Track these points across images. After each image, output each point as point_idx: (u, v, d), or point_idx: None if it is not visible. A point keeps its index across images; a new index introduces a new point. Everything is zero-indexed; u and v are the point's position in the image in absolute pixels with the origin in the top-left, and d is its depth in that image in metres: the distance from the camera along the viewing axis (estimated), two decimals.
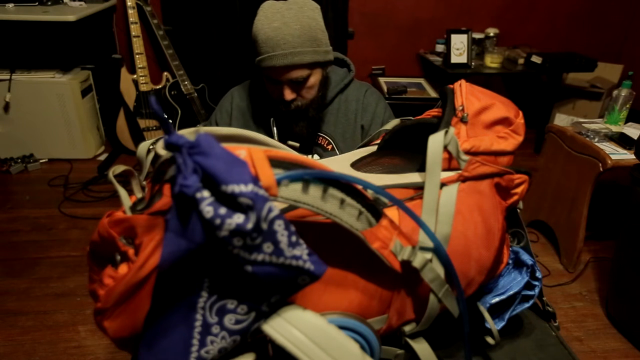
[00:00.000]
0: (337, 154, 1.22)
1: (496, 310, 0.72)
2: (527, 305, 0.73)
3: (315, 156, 1.22)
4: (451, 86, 0.71)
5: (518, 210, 0.75)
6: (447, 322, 0.64)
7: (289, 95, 1.08)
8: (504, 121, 0.68)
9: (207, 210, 0.36)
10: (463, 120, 0.65)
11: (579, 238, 1.97)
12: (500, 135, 0.67)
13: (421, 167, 0.65)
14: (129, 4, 2.63)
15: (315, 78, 1.10)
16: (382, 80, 3.07)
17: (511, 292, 0.70)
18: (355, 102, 1.23)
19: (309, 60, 1.05)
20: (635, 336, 1.67)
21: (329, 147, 1.22)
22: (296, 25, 1.01)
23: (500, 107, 0.68)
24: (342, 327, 0.52)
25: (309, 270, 0.41)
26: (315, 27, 1.04)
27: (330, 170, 0.47)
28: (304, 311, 0.46)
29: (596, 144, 1.92)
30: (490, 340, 0.69)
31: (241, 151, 0.42)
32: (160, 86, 2.77)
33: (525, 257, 0.73)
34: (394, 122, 0.82)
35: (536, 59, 2.84)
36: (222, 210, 0.36)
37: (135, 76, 2.71)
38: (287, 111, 1.13)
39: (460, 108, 0.66)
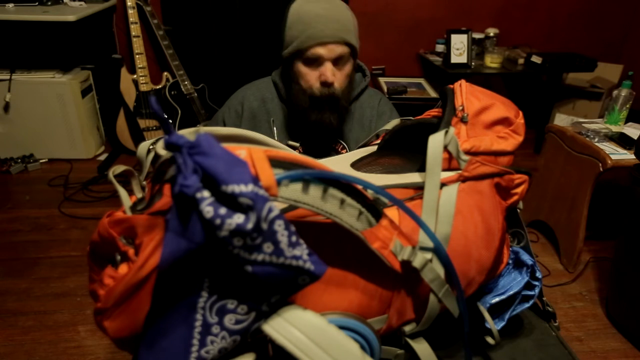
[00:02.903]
0: None
1: (496, 310, 0.72)
2: (527, 305, 0.73)
3: None
4: (451, 86, 0.71)
5: (518, 210, 0.75)
6: (447, 322, 0.64)
7: (331, 75, 1.07)
8: (504, 121, 0.68)
9: (207, 210, 0.36)
10: (463, 120, 0.65)
11: (579, 238, 1.97)
12: (500, 135, 0.67)
13: (421, 167, 0.65)
14: (129, 4, 2.63)
15: (349, 67, 1.12)
16: (382, 80, 3.07)
17: (511, 292, 0.71)
18: (370, 110, 1.23)
19: (353, 42, 1.09)
20: (635, 336, 1.67)
21: (344, 152, 1.21)
22: (343, 9, 1.08)
23: (500, 107, 0.68)
24: (342, 327, 0.52)
25: (309, 270, 0.41)
26: (354, 21, 1.11)
27: (330, 170, 0.47)
28: (304, 311, 0.46)
29: (596, 144, 1.92)
30: (490, 340, 0.69)
31: (241, 151, 0.42)
32: (160, 86, 2.77)
33: (525, 257, 0.73)
34: (394, 122, 0.82)
35: (536, 59, 2.84)
36: (222, 210, 0.36)
37: (135, 76, 2.71)
38: (321, 98, 1.10)
39: (461, 108, 0.66)
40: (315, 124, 1.12)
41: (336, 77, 1.09)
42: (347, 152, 1.20)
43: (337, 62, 1.08)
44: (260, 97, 1.21)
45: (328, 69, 1.07)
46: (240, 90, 1.25)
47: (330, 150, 1.21)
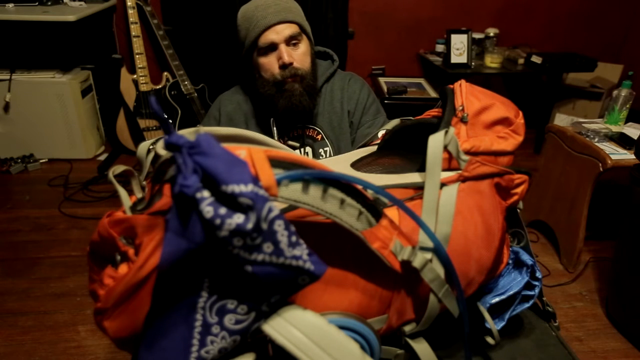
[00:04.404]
0: (327, 144, 1.23)
1: (496, 310, 0.72)
2: (527, 305, 0.73)
3: (308, 148, 1.22)
4: (451, 86, 0.71)
5: (518, 210, 0.75)
6: (447, 322, 0.64)
7: (287, 56, 1.10)
8: (504, 121, 0.68)
9: (207, 210, 0.36)
10: (463, 120, 0.65)
11: (579, 238, 1.97)
12: (500, 135, 0.67)
13: (421, 167, 0.65)
14: (129, 4, 2.63)
15: (305, 46, 1.14)
16: (382, 80, 3.06)
17: (511, 292, 0.71)
18: (340, 91, 1.25)
19: (299, 20, 1.12)
20: (635, 336, 1.67)
21: (319, 137, 1.23)
22: None
23: (500, 107, 0.68)
24: (342, 327, 0.52)
25: (309, 270, 0.41)
26: (295, 4, 1.15)
27: (330, 170, 0.47)
28: (304, 311, 0.46)
29: (596, 144, 1.92)
30: (490, 340, 0.69)
31: (241, 151, 0.42)
32: (160, 86, 2.77)
33: (525, 257, 0.73)
34: (393, 122, 0.82)
35: (536, 59, 2.84)
36: (222, 210, 0.36)
37: (135, 76, 2.71)
38: (285, 81, 1.12)
39: (460, 108, 0.66)
40: (287, 110, 1.14)
41: (294, 57, 1.11)
42: (321, 137, 1.21)
43: (291, 43, 1.11)
44: (235, 100, 1.25)
45: (283, 50, 1.10)
46: (217, 99, 1.29)
47: (305, 137, 1.22)
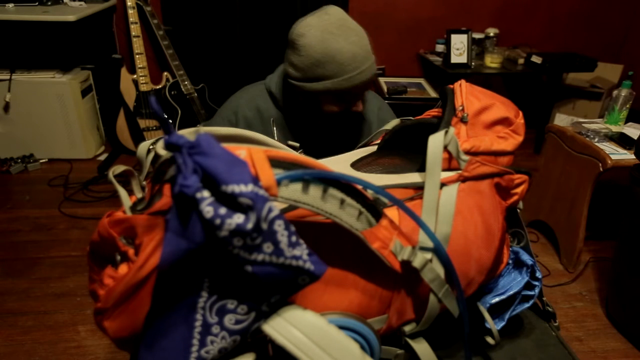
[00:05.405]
0: None
1: (496, 310, 0.72)
2: (527, 305, 0.73)
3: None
4: (451, 86, 0.71)
5: (518, 210, 0.75)
6: (447, 322, 0.64)
7: (361, 106, 1.08)
8: (504, 121, 0.68)
9: (207, 210, 0.36)
10: (463, 120, 0.65)
11: (579, 238, 1.97)
12: (500, 135, 0.67)
13: (421, 167, 0.65)
14: (129, 4, 2.63)
15: None
16: (382, 80, 3.06)
17: (511, 292, 0.71)
18: (370, 114, 1.22)
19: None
20: (635, 336, 1.67)
21: None
22: (363, 35, 1.02)
23: (500, 107, 0.68)
24: (342, 327, 0.52)
25: (309, 270, 0.41)
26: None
27: (330, 170, 0.47)
28: (304, 311, 0.46)
29: (596, 144, 1.92)
30: (490, 340, 0.69)
31: (241, 151, 0.42)
32: (160, 86, 2.77)
33: (525, 257, 0.73)
34: (394, 122, 0.82)
35: (536, 59, 2.84)
36: (222, 210, 0.36)
37: (135, 76, 2.71)
38: (345, 121, 1.12)
39: (460, 108, 0.66)
40: (337, 139, 1.14)
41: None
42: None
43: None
44: (255, 106, 1.17)
45: (361, 102, 1.08)
46: (233, 99, 1.20)
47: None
